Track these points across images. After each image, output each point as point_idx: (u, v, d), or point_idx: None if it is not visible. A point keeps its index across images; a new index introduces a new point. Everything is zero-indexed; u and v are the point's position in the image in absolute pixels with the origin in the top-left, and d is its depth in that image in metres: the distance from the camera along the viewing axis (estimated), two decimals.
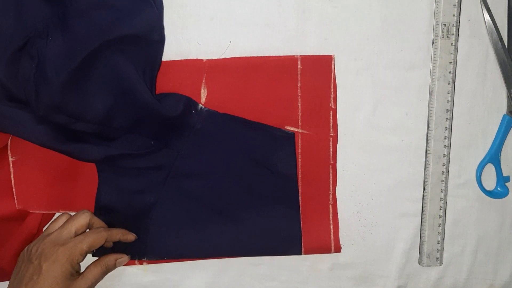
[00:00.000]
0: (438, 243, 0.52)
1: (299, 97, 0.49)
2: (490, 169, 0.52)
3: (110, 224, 0.49)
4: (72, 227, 0.45)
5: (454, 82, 0.50)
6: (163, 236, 0.49)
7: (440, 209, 0.52)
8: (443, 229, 0.52)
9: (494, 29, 0.49)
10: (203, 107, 0.48)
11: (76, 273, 0.44)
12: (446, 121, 0.50)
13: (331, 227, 0.51)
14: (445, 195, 0.52)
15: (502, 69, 0.50)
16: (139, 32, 0.44)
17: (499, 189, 0.52)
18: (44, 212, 0.49)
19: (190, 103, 0.48)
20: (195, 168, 0.49)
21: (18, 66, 0.42)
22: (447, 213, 0.52)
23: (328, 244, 0.51)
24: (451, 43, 0.49)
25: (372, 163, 0.51)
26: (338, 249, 0.52)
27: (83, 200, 0.49)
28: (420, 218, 0.52)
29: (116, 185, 0.48)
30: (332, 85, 0.49)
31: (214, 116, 0.48)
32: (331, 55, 0.49)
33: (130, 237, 0.48)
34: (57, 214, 0.50)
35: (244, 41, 0.48)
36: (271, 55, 0.49)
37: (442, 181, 0.51)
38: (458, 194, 0.52)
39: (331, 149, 0.50)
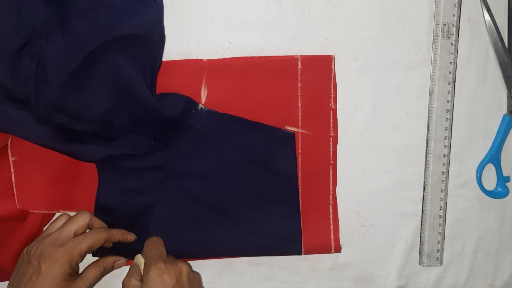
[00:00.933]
0: (438, 243, 0.52)
1: (299, 97, 0.49)
2: (490, 169, 0.52)
3: (110, 224, 0.49)
4: (72, 227, 0.45)
5: (454, 82, 0.50)
6: (163, 236, 0.49)
7: (440, 209, 0.52)
8: (443, 229, 0.52)
9: (494, 29, 0.49)
10: (203, 107, 0.48)
11: (75, 274, 0.44)
12: (446, 121, 0.50)
13: (331, 227, 0.51)
14: (445, 195, 0.52)
15: (502, 69, 0.50)
16: (139, 32, 0.44)
17: (499, 189, 0.52)
18: (45, 212, 0.49)
19: (190, 103, 0.48)
20: (195, 168, 0.49)
21: (18, 66, 0.42)
22: (447, 213, 0.52)
23: (328, 244, 0.51)
24: (451, 43, 0.49)
25: (372, 163, 0.51)
26: (338, 249, 0.52)
27: (83, 200, 0.49)
28: (420, 218, 0.52)
29: (116, 185, 0.48)
30: (332, 85, 0.49)
31: (214, 116, 0.48)
32: (331, 55, 0.49)
33: (130, 237, 0.48)
34: (57, 214, 0.50)
35: (244, 41, 0.48)
36: (271, 55, 0.49)
37: (442, 181, 0.51)
38: (458, 194, 0.52)
39: (331, 149, 0.50)
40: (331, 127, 0.50)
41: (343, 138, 0.50)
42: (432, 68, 0.50)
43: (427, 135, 0.51)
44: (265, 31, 0.48)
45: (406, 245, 0.52)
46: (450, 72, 0.50)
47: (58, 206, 0.49)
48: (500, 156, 0.51)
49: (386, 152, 0.51)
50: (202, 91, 0.48)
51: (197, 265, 0.52)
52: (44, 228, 0.48)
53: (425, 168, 0.51)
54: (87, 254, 0.45)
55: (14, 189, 0.48)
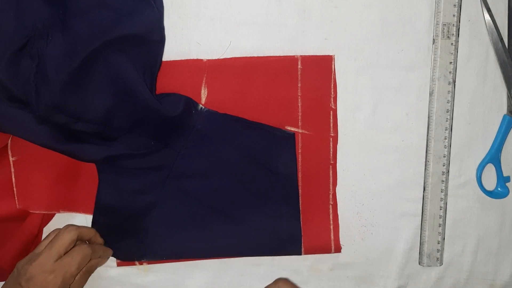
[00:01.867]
0: (438, 243, 0.52)
1: (299, 97, 0.49)
2: (490, 169, 0.52)
3: (110, 225, 0.49)
4: (61, 248, 0.44)
5: (455, 82, 0.50)
6: (163, 236, 0.49)
7: (440, 209, 0.52)
8: (443, 229, 0.52)
9: (494, 29, 0.49)
10: (203, 107, 0.48)
11: None
12: (446, 121, 0.50)
13: (331, 227, 0.51)
14: (445, 195, 0.51)
15: (502, 69, 0.50)
16: (139, 32, 0.44)
17: (499, 189, 0.52)
18: (45, 212, 0.49)
19: (190, 104, 0.48)
20: (195, 168, 0.49)
21: (18, 66, 0.42)
22: (447, 213, 0.52)
23: (328, 244, 0.51)
24: (452, 43, 0.49)
25: (372, 163, 0.51)
26: (338, 249, 0.52)
27: (83, 200, 0.49)
28: (420, 218, 0.52)
29: (116, 185, 0.48)
30: (332, 85, 0.49)
31: (214, 117, 0.48)
32: (331, 55, 0.49)
33: (109, 252, 0.49)
34: (57, 215, 0.50)
35: (244, 41, 0.48)
36: (271, 55, 0.49)
37: (442, 181, 0.51)
38: (458, 194, 0.52)
39: (331, 149, 0.50)
40: (331, 127, 0.50)
41: (343, 138, 0.50)
42: (432, 68, 0.50)
43: (427, 135, 0.51)
44: (265, 31, 0.48)
45: (406, 245, 0.52)
46: (450, 72, 0.50)
47: (58, 206, 0.49)
48: (500, 156, 0.51)
49: (386, 152, 0.51)
50: (202, 91, 0.48)
51: (197, 265, 0.52)
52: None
53: (425, 168, 0.51)
54: None
55: (14, 189, 0.48)
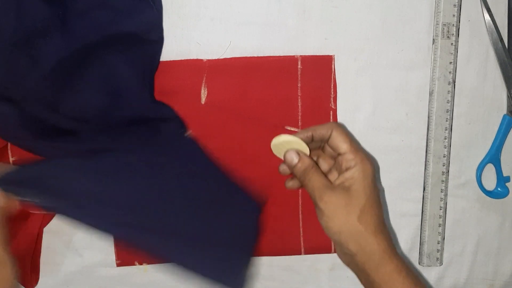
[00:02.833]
0: (438, 243, 0.52)
1: (299, 97, 0.49)
2: (490, 169, 0.52)
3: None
4: None
5: (454, 82, 0.50)
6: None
7: (440, 209, 0.52)
8: (443, 229, 0.52)
9: (494, 29, 0.49)
10: (189, 134, 0.48)
11: None
12: (446, 121, 0.50)
13: None
14: (445, 195, 0.51)
15: (502, 69, 0.50)
16: (137, 32, 0.44)
17: (499, 189, 0.52)
18: (44, 212, 0.49)
19: (181, 125, 0.47)
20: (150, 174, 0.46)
21: (17, 65, 0.42)
22: (447, 213, 0.52)
23: (328, 244, 0.51)
24: (451, 43, 0.49)
25: None
26: None
27: None
28: (420, 218, 0.52)
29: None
30: (332, 85, 0.49)
31: (195, 149, 0.47)
32: (331, 55, 0.49)
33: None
34: (57, 215, 0.50)
35: (244, 41, 0.48)
36: (271, 55, 0.49)
37: (442, 181, 0.51)
38: (458, 194, 0.52)
39: None
40: None
41: None
42: (432, 68, 0.50)
43: (427, 135, 0.51)
44: (265, 31, 0.48)
45: (406, 245, 0.52)
46: (450, 72, 0.50)
47: None
48: (500, 156, 0.51)
49: (386, 152, 0.51)
50: (202, 91, 0.48)
51: None
52: None
53: (425, 168, 0.51)
54: None
55: None
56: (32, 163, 0.44)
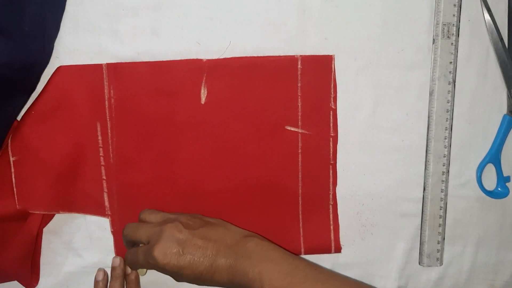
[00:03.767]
0: (438, 243, 0.52)
1: (299, 97, 0.49)
2: (490, 169, 0.52)
3: None
4: None
5: (455, 82, 0.50)
6: None
7: (441, 209, 0.51)
8: (444, 229, 0.52)
9: (494, 29, 0.49)
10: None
11: None
12: (447, 121, 0.50)
13: (331, 227, 0.51)
14: (446, 195, 0.51)
15: (503, 69, 0.50)
16: None
17: (499, 189, 0.52)
18: (44, 212, 0.49)
19: None
20: None
21: None
22: (448, 213, 0.52)
23: (328, 244, 0.51)
24: (452, 43, 0.49)
25: (372, 163, 0.51)
26: (338, 249, 0.52)
27: (83, 201, 0.49)
28: (420, 218, 0.52)
29: None
30: (332, 85, 0.49)
31: None
32: (331, 55, 0.49)
33: None
34: (57, 215, 0.50)
35: (244, 41, 0.48)
36: (271, 55, 0.49)
37: (443, 181, 0.51)
38: (458, 194, 0.52)
39: (331, 149, 0.50)
40: (331, 127, 0.50)
41: (343, 138, 0.50)
42: (432, 68, 0.50)
43: (427, 135, 0.51)
44: (265, 31, 0.48)
45: (406, 245, 0.52)
46: (450, 72, 0.50)
47: (58, 206, 0.49)
48: (500, 156, 0.51)
49: (386, 152, 0.51)
50: (202, 91, 0.48)
51: None
52: None
53: (425, 168, 0.51)
54: None
55: (14, 189, 0.48)
56: None
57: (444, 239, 0.52)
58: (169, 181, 0.50)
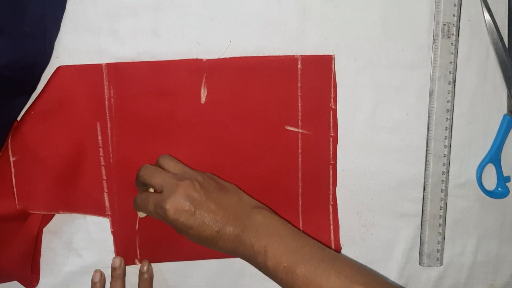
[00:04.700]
0: (438, 243, 0.52)
1: (299, 97, 0.49)
2: (490, 169, 0.52)
3: None
4: None
5: (455, 82, 0.50)
6: None
7: (441, 209, 0.51)
8: (444, 229, 0.52)
9: (494, 29, 0.49)
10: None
11: None
12: (447, 121, 0.50)
13: (331, 227, 0.51)
14: (446, 195, 0.51)
15: (503, 69, 0.50)
16: None
17: (499, 189, 0.52)
18: (44, 212, 0.49)
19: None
20: None
21: None
22: (448, 213, 0.52)
23: (328, 244, 0.51)
24: (452, 43, 0.49)
25: (372, 163, 0.51)
26: (338, 249, 0.52)
27: (83, 201, 0.49)
28: (420, 218, 0.52)
29: None
30: (332, 85, 0.49)
31: None
32: (332, 55, 0.49)
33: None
34: (56, 215, 0.50)
35: (244, 41, 0.48)
36: (271, 55, 0.49)
37: (443, 181, 0.51)
38: (458, 194, 0.52)
39: (331, 149, 0.50)
40: (331, 127, 0.50)
41: (343, 138, 0.50)
42: (432, 68, 0.50)
43: (427, 135, 0.51)
44: (265, 31, 0.48)
45: (406, 245, 0.52)
46: (450, 72, 0.50)
47: (58, 207, 0.49)
48: (500, 156, 0.51)
49: (386, 152, 0.51)
50: (202, 90, 0.48)
51: (197, 265, 0.52)
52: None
53: (425, 168, 0.51)
54: None
55: (15, 189, 0.48)
56: None
57: (444, 239, 0.52)
58: None
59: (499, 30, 0.49)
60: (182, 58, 0.48)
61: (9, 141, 0.48)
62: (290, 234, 0.42)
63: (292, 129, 0.50)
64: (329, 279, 0.38)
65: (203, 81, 0.48)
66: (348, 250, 0.52)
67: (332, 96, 0.50)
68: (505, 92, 0.51)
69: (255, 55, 0.48)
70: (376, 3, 0.49)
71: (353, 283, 0.38)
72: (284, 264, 0.40)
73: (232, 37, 0.48)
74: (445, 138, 0.51)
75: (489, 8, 0.49)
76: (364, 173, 0.51)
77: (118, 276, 0.49)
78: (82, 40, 0.47)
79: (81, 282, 0.51)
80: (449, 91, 0.50)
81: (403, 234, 0.52)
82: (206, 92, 0.49)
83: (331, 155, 0.50)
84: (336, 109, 0.50)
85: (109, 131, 0.49)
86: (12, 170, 0.48)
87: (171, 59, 0.48)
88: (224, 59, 0.48)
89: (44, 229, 0.50)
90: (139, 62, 0.48)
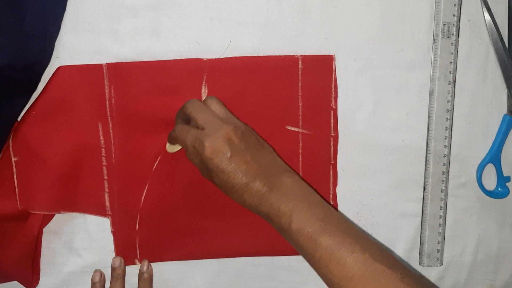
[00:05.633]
0: (438, 243, 0.52)
1: (299, 97, 0.49)
2: (490, 169, 0.52)
3: None
4: None
5: (455, 82, 0.50)
6: None
7: (441, 209, 0.52)
8: (444, 229, 0.52)
9: (494, 29, 0.49)
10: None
11: None
12: (447, 121, 0.50)
13: None
14: (446, 195, 0.51)
15: (503, 69, 0.50)
16: None
17: (499, 189, 0.52)
18: (45, 212, 0.49)
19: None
20: None
21: None
22: (448, 213, 0.52)
23: None
24: (452, 43, 0.49)
25: (372, 163, 0.51)
26: None
27: (83, 201, 0.49)
28: (420, 218, 0.52)
29: None
30: (333, 85, 0.49)
31: None
32: (332, 55, 0.49)
33: None
34: (56, 215, 0.50)
35: (244, 40, 0.48)
36: (271, 55, 0.49)
37: (443, 181, 0.51)
38: (458, 194, 0.52)
39: (331, 149, 0.50)
40: (332, 127, 0.50)
41: (343, 138, 0.50)
42: (432, 68, 0.50)
43: (427, 135, 0.51)
44: (265, 31, 0.48)
45: (406, 245, 0.52)
46: (450, 72, 0.50)
47: (58, 207, 0.49)
48: (501, 156, 0.51)
49: (386, 152, 0.51)
50: (203, 90, 0.49)
51: (197, 265, 0.52)
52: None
53: (425, 168, 0.51)
54: None
55: (16, 189, 0.48)
56: None
57: (444, 239, 0.52)
58: (170, 181, 0.50)
59: (499, 30, 0.49)
60: (182, 58, 0.48)
61: (11, 141, 0.48)
62: (318, 203, 0.41)
63: (293, 129, 0.50)
64: (353, 252, 0.38)
65: (204, 80, 0.48)
66: None
67: (332, 96, 0.50)
68: (505, 92, 0.51)
69: (256, 55, 0.48)
70: (376, 3, 0.49)
71: (376, 262, 0.37)
72: (309, 230, 0.39)
73: (232, 37, 0.48)
74: (445, 138, 0.51)
75: (489, 8, 0.49)
76: (364, 173, 0.51)
77: (118, 276, 0.50)
78: (82, 40, 0.47)
79: (81, 282, 0.51)
80: (449, 91, 0.50)
81: (403, 234, 0.52)
82: (206, 92, 0.49)
83: (332, 155, 0.50)
84: (336, 109, 0.50)
85: (111, 131, 0.49)
86: (14, 170, 0.48)
87: (171, 58, 0.48)
88: (225, 58, 0.48)
89: (44, 229, 0.50)
90: (140, 62, 0.48)
